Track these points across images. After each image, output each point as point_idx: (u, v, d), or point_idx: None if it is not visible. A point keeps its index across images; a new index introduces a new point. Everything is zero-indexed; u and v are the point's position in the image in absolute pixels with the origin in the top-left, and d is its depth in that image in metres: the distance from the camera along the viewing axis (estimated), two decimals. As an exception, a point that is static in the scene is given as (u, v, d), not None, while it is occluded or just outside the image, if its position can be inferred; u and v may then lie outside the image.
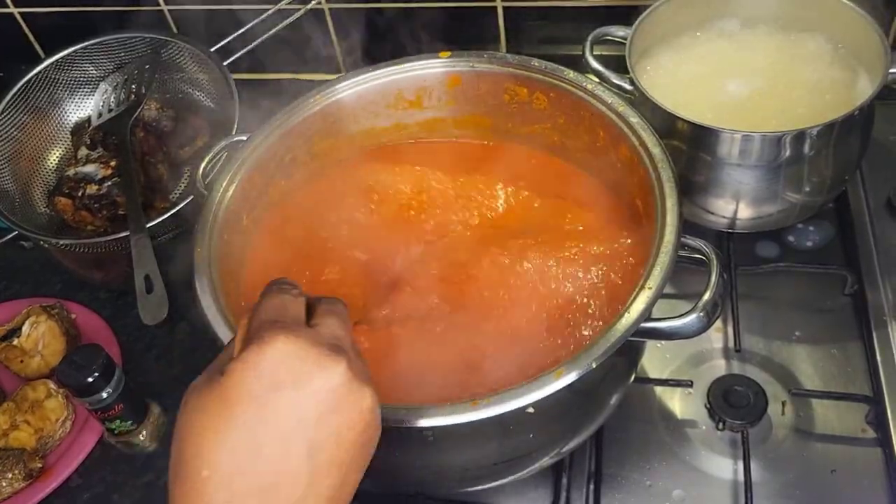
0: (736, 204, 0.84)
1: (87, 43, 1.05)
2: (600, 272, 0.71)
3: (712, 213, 0.86)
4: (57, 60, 1.04)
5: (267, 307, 0.49)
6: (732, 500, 0.74)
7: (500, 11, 1.05)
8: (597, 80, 0.80)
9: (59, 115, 1.07)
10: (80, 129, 1.06)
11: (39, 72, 1.03)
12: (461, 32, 1.07)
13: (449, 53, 0.81)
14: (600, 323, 0.68)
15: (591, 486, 0.76)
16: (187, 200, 0.88)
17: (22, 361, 0.91)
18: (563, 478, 0.76)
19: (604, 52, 0.87)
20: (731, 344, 0.83)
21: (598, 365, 0.57)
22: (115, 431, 0.81)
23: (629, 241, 0.72)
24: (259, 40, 1.02)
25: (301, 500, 0.44)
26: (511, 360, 0.66)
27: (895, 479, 0.73)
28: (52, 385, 0.88)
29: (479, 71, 0.81)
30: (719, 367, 0.82)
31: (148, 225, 0.86)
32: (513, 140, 0.84)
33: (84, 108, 1.08)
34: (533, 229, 0.76)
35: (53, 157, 1.07)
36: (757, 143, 0.77)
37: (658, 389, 0.82)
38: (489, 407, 0.55)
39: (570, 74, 0.77)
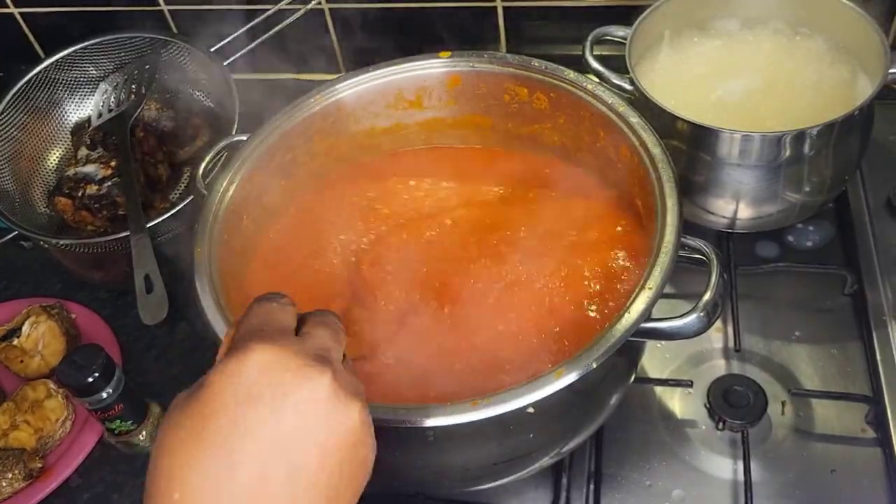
0: (736, 204, 0.84)
1: (87, 43, 1.05)
2: (600, 271, 0.71)
3: (712, 213, 0.86)
4: (57, 60, 1.04)
5: (251, 316, 0.46)
6: (732, 500, 0.74)
7: (500, 11, 1.05)
8: (597, 80, 0.80)
9: (59, 115, 1.07)
10: (80, 129, 1.06)
11: (39, 72, 1.03)
12: (461, 32, 1.07)
13: (449, 53, 0.81)
14: (598, 324, 0.68)
15: (591, 486, 0.76)
16: (187, 200, 0.88)
17: (22, 361, 0.91)
18: (563, 478, 0.76)
19: (604, 52, 0.87)
20: (731, 344, 0.83)
21: (599, 365, 0.57)
22: (115, 431, 0.81)
23: (629, 241, 0.72)
24: (259, 40, 1.02)
25: None
26: (514, 362, 0.66)
27: (895, 479, 0.73)
28: (52, 385, 0.88)
29: (479, 71, 0.81)
30: (719, 366, 0.82)
31: (148, 225, 0.86)
32: (513, 140, 0.84)
33: (84, 108, 1.08)
34: (533, 228, 0.76)
35: (53, 158, 1.07)
36: (757, 143, 0.77)
37: (658, 389, 0.82)
38: (489, 407, 0.55)
39: (571, 74, 0.77)
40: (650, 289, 0.60)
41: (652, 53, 0.91)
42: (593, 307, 0.70)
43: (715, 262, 0.62)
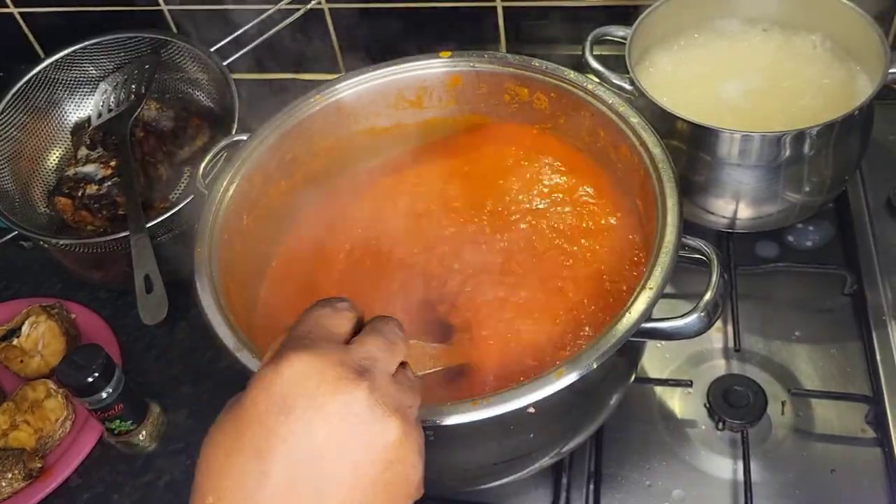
0: (736, 204, 0.84)
1: (86, 43, 1.05)
2: (600, 271, 0.71)
3: (712, 213, 0.86)
4: (57, 60, 1.04)
5: (301, 322, 0.46)
6: (732, 499, 0.74)
7: (500, 11, 1.05)
8: (597, 80, 0.80)
9: (58, 115, 1.07)
10: (79, 129, 1.06)
11: (39, 72, 1.03)
12: (461, 32, 1.07)
13: (449, 53, 0.81)
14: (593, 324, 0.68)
15: (591, 486, 0.76)
16: (187, 200, 0.88)
17: (22, 361, 0.91)
18: (563, 478, 0.76)
19: (604, 52, 0.87)
20: (730, 344, 0.83)
21: (599, 365, 0.57)
22: (115, 431, 0.81)
23: (629, 240, 0.73)
24: (259, 40, 1.02)
25: None
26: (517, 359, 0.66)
27: (895, 479, 0.73)
28: (51, 385, 0.88)
29: (479, 71, 0.81)
30: (719, 366, 0.83)
31: (148, 225, 0.86)
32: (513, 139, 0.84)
33: (84, 107, 1.08)
34: (533, 227, 0.77)
35: (53, 157, 1.07)
36: (757, 143, 0.78)
37: (658, 389, 0.82)
38: (489, 407, 0.55)
39: (571, 74, 0.77)
40: (651, 289, 0.60)
41: (652, 53, 0.91)
42: (594, 307, 0.70)
43: (715, 262, 0.62)
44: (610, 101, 0.74)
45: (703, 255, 0.64)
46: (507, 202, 0.79)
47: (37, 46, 1.22)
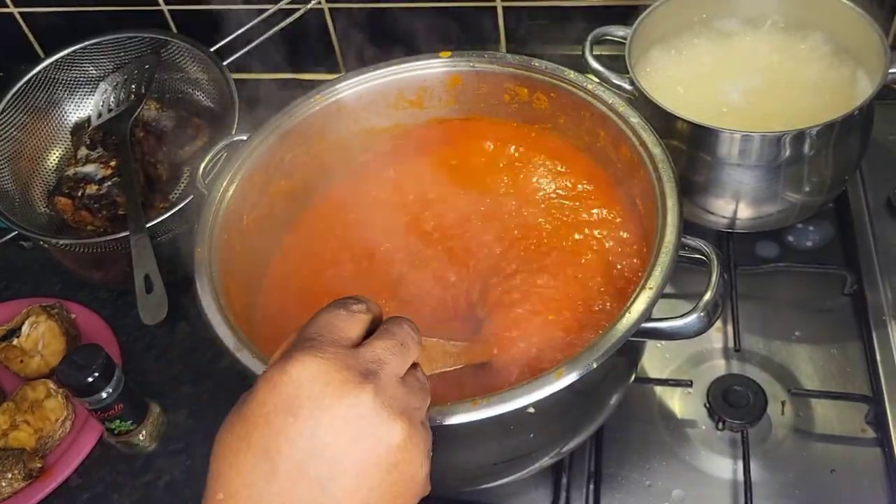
0: (736, 204, 0.84)
1: (86, 43, 1.05)
2: (600, 270, 0.71)
3: (712, 213, 0.86)
4: (57, 60, 1.04)
5: (313, 323, 0.46)
6: (732, 499, 0.74)
7: (500, 11, 1.05)
8: (597, 80, 0.80)
9: (58, 114, 1.07)
10: (79, 128, 1.06)
11: (39, 72, 1.03)
12: (461, 32, 1.07)
13: (449, 53, 0.81)
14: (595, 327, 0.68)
15: (591, 486, 0.76)
16: (187, 200, 0.88)
17: (22, 361, 0.91)
18: (563, 478, 0.76)
19: (604, 52, 0.87)
20: (730, 344, 0.83)
21: (599, 365, 0.57)
22: (115, 431, 0.81)
23: (629, 239, 0.73)
24: (259, 40, 1.02)
25: None
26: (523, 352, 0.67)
27: (895, 479, 0.73)
28: (51, 385, 0.88)
29: (479, 71, 0.81)
30: (719, 366, 0.83)
31: (148, 225, 0.86)
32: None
33: (84, 107, 1.08)
34: (533, 227, 0.77)
35: (53, 157, 1.07)
36: (757, 143, 0.78)
37: (658, 389, 0.82)
38: (489, 407, 0.55)
39: (571, 74, 0.77)
40: (650, 289, 0.60)
41: (652, 53, 0.91)
42: (593, 306, 0.70)
43: (715, 262, 0.62)
44: (610, 101, 0.74)
45: (702, 254, 0.64)
46: (507, 201, 0.79)
47: (37, 46, 1.22)
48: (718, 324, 0.85)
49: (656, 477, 0.76)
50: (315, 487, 0.42)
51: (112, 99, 1.05)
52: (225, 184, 0.74)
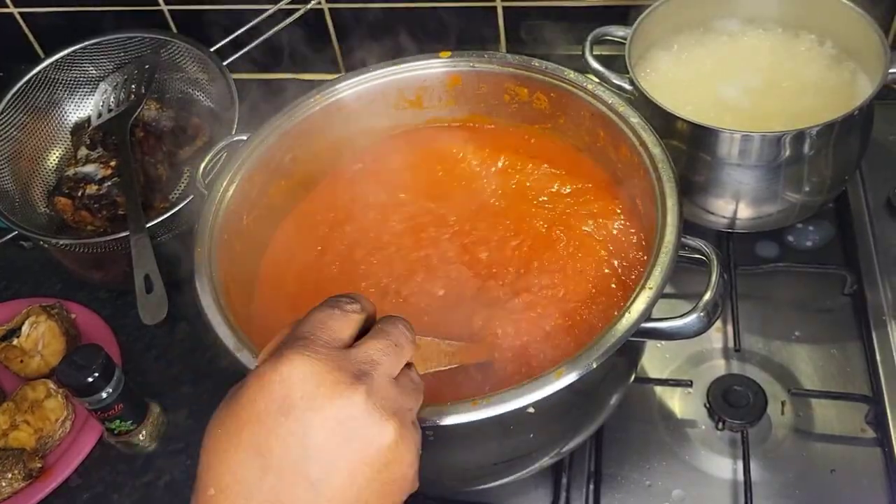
0: (736, 204, 0.84)
1: (86, 43, 1.05)
2: (600, 270, 0.72)
3: (712, 213, 0.86)
4: (57, 60, 1.04)
5: (308, 320, 0.46)
6: (732, 499, 0.74)
7: (500, 11, 1.05)
8: (597, 80, 0.80)
9: (58, 115, 1.07)
10: (79, 129, 1.06)
11: (39, 72, 1.03)
12: (461, 32, 1.07)
13: (449, 53, 0.81)
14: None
15: (591, 486, 0.76)
16: (187, 200, 0.88)
17: (22, 361, 0.91)
18: (563, 478, 0.76)
19: (604, 52, 0.87)
20: (730, 344, 0.83)
21: (599, 365, 0.57)
22: (115, 431, 0.81)
23: (629, 240, 0.73)
24: (259, 40, 1.02)
25: None
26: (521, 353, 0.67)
27: (895, 479, 0.73)
28: (51, 385, 0.88)
29: (479, 71, 0.81)
30: (719, 366, 0.83)
31: (148, 225, 0.86)
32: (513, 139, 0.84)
33: (84, 107, 1.08)
34: (533, 227, 0.77)
35: (53, 157, 1.07)
36: (757, 143, 0.77)
37: (658, 389, 0.82)
38: (489, 407, 0.55)
39: (571, 74, 0.77)
40: (650, 289, 0.60)
41: (652, 53, 0.91)
42: (594, 306, 0.70)
43: (715, 262, 0.62)
44: (610, 101, 0.74)
45: (702, 254, 0.64)
46: (505, 201, 0.79)
47: (37, 46, 1.22)
48: (718, 324, 0.85)
49: (656, 477, 0.76)
50: (306, 486, 0.42)
51: (112, 99, 1.05)
52: (225, 184, 0.74)
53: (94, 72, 1.07)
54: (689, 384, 0.80)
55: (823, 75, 0.86)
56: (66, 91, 1.07)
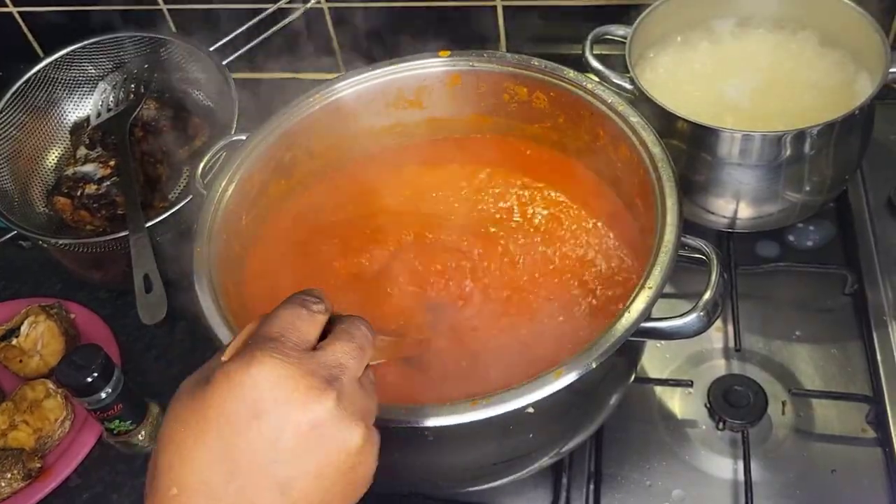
0: (736, 203, 0.84)
1: (86, 42, 1.04)
2: (600, 269, 0.71)
3: (712, 213, 0.86)
4: (56, 60, 1.04)
5: (276, 320, 0.46)
6: (732, 500, 0.74)
7: (499, 11, 1.05)
8: (597, 79, 0.80)
9: (57, 114, 1.07)
10: (78, 128, 1.06)
11: (38, 71, 1.03)
12: (461, 32, 1.07)
13: (449, 53, 0.81)
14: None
15: (591, 486, 0.76)
16: (186, 200, 0.88)
17: (21, 361, 0.91)
18: (563, 478, 0.76)
19: (604, 52, 0.87)
20: (731, 344, 0.83)
21: (598, 365, 0.57)
22: (115, 431, 0.81)
23: (629, 240, 0.72)
24: (258, 39, 1.02)
25: None
26: (513, 355, 0.66)
27: (895, 479, 0.73)
28: (50, 385, 0.88)
29: (478, 70, 0.80)
30: (719, 366, 0.82)
31: (147, 224, 0.86)
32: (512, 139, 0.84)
33: (83, 107, 1.08)
34: (533, 228, 0.77)
35: (52, 157, 1.07)
36: (757, 143, 0.77)
37: (658, 389, 0.82)
38: (489, 407, 0.55)
39: (570, 74, 0.76)
40: (650, 288, 0.60)
41: (652, 53, 0.91)
42: (593, 306, 0.70)
43: (715, 261, 0.62)
44: (609, 101, 0.74)
45: (702, 254, 0.64)
46: (497, 203, 0.80)
47: (36, 46, 1.22)
48: (719, 323, 0.84)
49: (656, 477, 0.76)
50: (274, 489, 0.42)
51: (111, 98, 1.05)
52: (224, 183, 0.74)
53: (93, 71, 1.07)
54: (689, 384, 0.80)
55: (824, 75, 0.86)
56: (65, 90, 1.07)
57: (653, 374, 0.82)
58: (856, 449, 0.76)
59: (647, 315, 0.59)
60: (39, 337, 0.91)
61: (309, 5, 1.04)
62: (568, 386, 0.56)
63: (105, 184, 0.96)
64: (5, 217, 0.92)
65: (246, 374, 0.42)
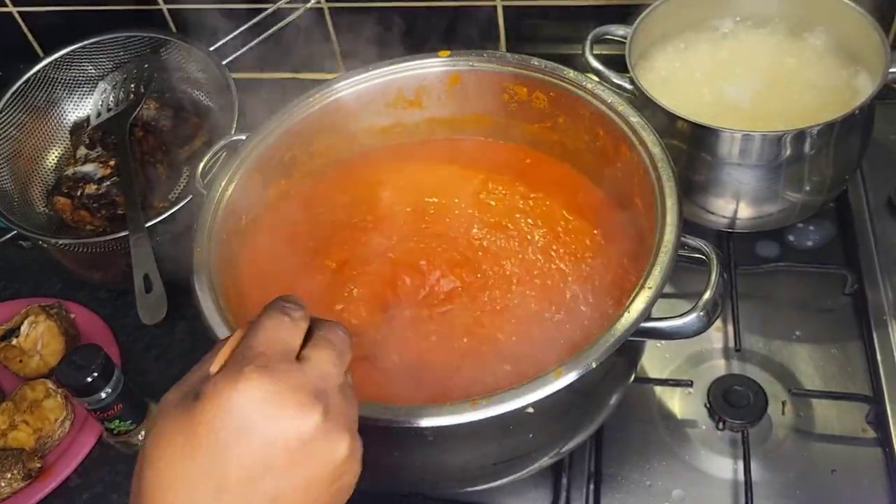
0: (736, 203, 0.84)
1: (85, 42, 1.04)
2: (599, 270, 0.71)
3: (712, 213, 0.86)
4: (56, 60, 1.04)
5: (261, 331, 0.46)
6: (732, 500, 0.74)
7: (499, 11, 1.05)
8: (597, 79, 0.80)
9: (57, 114, 1.07)
10: (78, 128, 1.06)
11: (38, 71, 1.03)
12: (461, 32, 1.07)
13: (448, 52, 0.81)
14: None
15: (591, 486, 0.76)
16: (186, 200, 0.88)
17: (21, 361, 0.91)
18: (562, 478, 0.76)
19: (604, 52, 0.87)
20: (731, 344, 0.83)
21: (598, 365, 0.57)
22: (115, 431, 0.81)
23: (629, 239, 0.72)
24: (258, 39, 1.02)
25: None
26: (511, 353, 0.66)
27: (895, 479, 0.73)
28: (50, 385, 0.88)
29: (478, 70, 0.80)
30: (719, 366, 0.82)
31: (147, 224, 0.86)
32: (512, 139, 0.84)
33: (83, 107, 1.08)
34: (533, 228, 0.77)
35: (52, 157, 1.07)
36: (757, 143, 0.77)
37: (658, 389, 0.82)
38: (489, 407, 0.55)
39: (570, 74, 0.76)
40: (650, 288, 0.60)
41: (652, 53, 0.91)
42: (593, 305, 0.70)
43: (715, 261, 0.62)
44: (609, 101, 0.74)
45: (702, 254, 0.64)
46: (489, 204, 0.80)
47: (36, 46, 1.22)
48: (718, 323, 0.84)
49: (656, 477, 0.76)
50: (263, 503, 0.42)
51: (111, 98, 1.05)
52: (224, 183, 0.74)
53: (93, 71, 1.07)
54: (689, 384, 0.80)
55: (824, 75, 0.86)
56: (65, 90, 1.07)
57: (653, 374, 0.82)
58: (856, 449, 0.76)
59: (646, 315, 0.59)
60: (39, 337, 0.91)
61: (309, 5, 1.04)
62: (568, 386, 0.56)
63: (105, 184, 0.96)
64: (5, 217, 0.92)
65: (234, 391, 0.42)
